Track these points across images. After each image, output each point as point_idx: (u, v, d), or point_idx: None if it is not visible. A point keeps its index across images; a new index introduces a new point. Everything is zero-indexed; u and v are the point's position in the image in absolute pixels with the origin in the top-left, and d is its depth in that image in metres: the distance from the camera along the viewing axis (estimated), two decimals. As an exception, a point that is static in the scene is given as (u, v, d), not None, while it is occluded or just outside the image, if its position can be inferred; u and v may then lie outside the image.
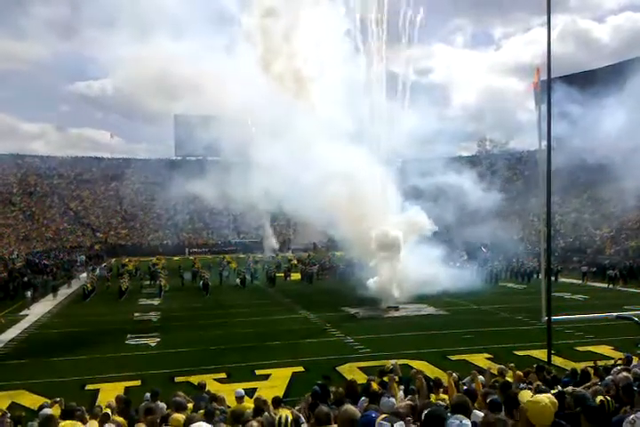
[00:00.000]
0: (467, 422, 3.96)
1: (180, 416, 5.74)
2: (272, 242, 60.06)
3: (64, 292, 34.51)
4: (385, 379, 9.60)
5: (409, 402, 7.35)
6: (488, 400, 5.94)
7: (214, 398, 9.09)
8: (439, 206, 38.86)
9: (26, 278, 34.82)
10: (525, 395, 3.61)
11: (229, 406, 8.94)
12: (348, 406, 4.23)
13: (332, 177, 28.87)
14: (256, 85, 34.54)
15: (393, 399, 6.44)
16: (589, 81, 54.31)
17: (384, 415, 3.91)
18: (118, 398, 9.39)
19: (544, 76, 14.33)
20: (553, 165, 14.82)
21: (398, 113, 33.94)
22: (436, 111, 44.27)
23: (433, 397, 7.94)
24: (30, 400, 13.22)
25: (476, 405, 6.28)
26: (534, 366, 11.16)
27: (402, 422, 4.11)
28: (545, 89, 14.58)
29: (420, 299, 28.09)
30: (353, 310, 26.15)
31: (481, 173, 45.31)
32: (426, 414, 3.84)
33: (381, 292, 27.43)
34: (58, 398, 8.66)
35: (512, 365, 10.43)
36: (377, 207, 29.19)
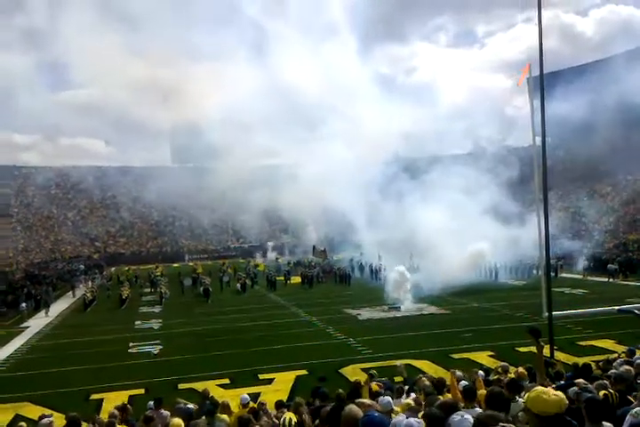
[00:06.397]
0: (468, 416, 3.96)
1: (180, 423, 5.71)
2: (271, 246, 60.00)
3: (67, 300, 34.55)
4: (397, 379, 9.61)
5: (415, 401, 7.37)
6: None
7: (216, 404, 9.07)
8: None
9: (25, 290, 34.75)
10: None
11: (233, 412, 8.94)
12: (353, 406, 4.19)
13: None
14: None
15: (389, 398, 6.42)
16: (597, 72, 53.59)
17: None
18: (119, 407, 9.38)
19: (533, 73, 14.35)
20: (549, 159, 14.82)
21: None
22: (424, 110, 44.09)
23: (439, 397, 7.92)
24: (34, 412, 13.13)
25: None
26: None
27: (420, 420, 4.13)
28: (538, 84, 14.59)
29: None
30: (355, 312, 26.17)
31: (478, 170, 45.04)
32: (423, 415, 3.85)
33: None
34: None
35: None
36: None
